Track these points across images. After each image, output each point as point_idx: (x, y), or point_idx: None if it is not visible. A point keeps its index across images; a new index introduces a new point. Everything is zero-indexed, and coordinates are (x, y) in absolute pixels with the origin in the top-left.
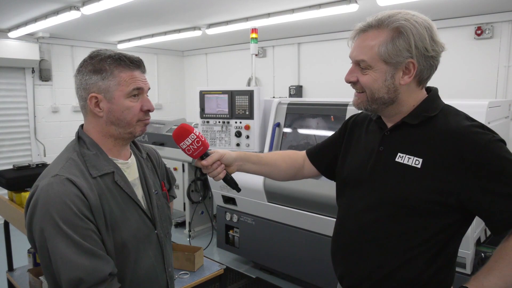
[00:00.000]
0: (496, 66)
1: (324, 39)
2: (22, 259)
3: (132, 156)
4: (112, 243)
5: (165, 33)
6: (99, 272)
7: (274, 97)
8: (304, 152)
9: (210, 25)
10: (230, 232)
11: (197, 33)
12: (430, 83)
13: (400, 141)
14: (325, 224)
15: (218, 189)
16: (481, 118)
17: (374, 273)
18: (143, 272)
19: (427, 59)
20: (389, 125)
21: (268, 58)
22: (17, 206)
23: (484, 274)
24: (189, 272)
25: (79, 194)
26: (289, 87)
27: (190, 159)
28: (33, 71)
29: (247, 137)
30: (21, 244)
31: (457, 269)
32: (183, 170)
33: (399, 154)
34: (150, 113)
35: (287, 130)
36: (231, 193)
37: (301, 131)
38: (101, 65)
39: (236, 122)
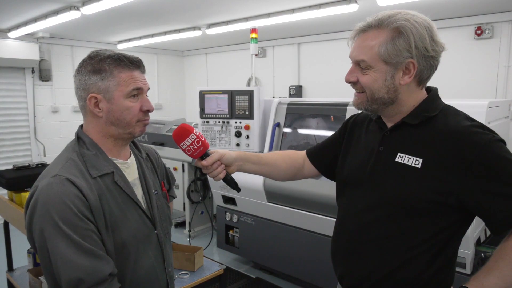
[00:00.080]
0: (496, 66)
1: (324, 39)
2: (22, 259)
3: (132, 156)
4: (112, 243)
5: (165, 33)
6: (99, 273)
7: (274, 97)
8: (304, 152)
9: (210, 25)
10: (230, 232)
11: (197, 33)
12: (430, 83)
13: (400, 141)
14: (325, 224)
15: (218, 189)
16: (481, 118)
17: (374, 273)
18: (143, 272)
19: (427, 59)
20: (389, 125)
21: (268, 58)
22: (17, 206)
23: (484, 274)
24: (189, 272)
25: (78, 194)
26: (289, 87)
27: (190, 159)
28: (33, 71)
29: (247, 137)
30: (21, 244)
31: (457, 269)
32: (183, 170)
33: (399, 154)
34: (150, 113)
35: (287, 130)
36: (231, 193)
37: (301, 131)
38: (100, 65)
39: (236, 122)
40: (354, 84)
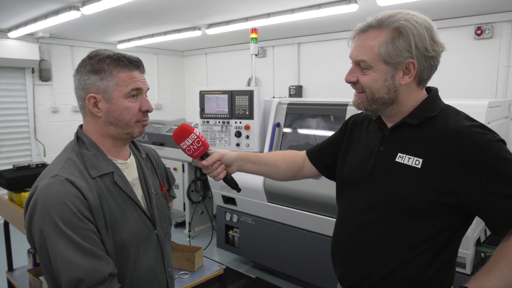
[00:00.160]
0: (496, 66)
1: (324, 39)
2: (22, 259)
3: (132, 156)
4: (111, 243)
5: (165, 33)
6: (99, 273)
7: (274, 97)
8: (304, 152)
9: (210, 25)
10: (230, 232)
11: (197, 33)
12: (430, 83)
13: (400, 141)
14: (325, 224)
15: (218, 189)
16: (481, 118)
17: (374, 273)
18: (143, 272)
19: (427, 59)
20: (389, 125)
21: (268, 58)
22: (17, 206)
23: (484, 274)
24: (189, 272)
25: (78, 195)
26: (289, 87)
27: (190, 159)
28: (33, 71)
29: (247, 137)
30: (21, 244)
31: (457, 269)
32: (183, 170)
33: (399, 154)
34: (149, 114)
35: (287, 130)
36: (231, 193)
37: (301, 131)
38: (99, 65)
39: (236, 122)
40: (354, 84)
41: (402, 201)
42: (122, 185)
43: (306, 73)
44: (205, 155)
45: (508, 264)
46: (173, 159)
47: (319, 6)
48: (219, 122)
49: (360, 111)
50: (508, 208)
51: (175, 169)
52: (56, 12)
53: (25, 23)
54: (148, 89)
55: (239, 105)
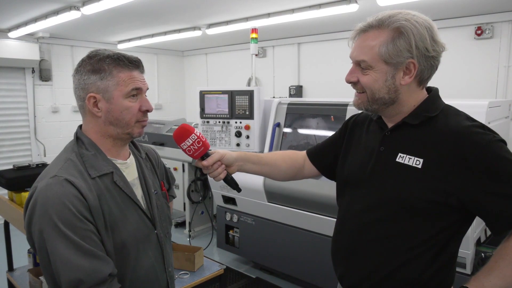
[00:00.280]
0: (496, 66)
1: (324, 39)
2: (22, 259)
3: (131, 156)
4: (111, 243)
5: (165, 33)
6: (99, 273)
7: (274, 97)
8: (304, 152)
9: (210, 25)
10: (230, 232)
11: (197, 33)
12: (430, 83)
13: (401, 141)
14: (325, 224)
15: (218, 189)
16: (481, 118)
17: (374, 273)
18: (143, 272)
19: (428, 59)
20: (390, 125)
21: (268, 58)
22: (17, 206)
23: (484, 274)
24: (189, 272)
25: (77, 195)
26: (289, 87)
27: (190, 159)
28: (33, 71)
29: (247, 137)
30: (21, 244)
31: (457, 269)
32: (183, 170)
33: (399, 154)
34: (149, 113)
35: (287, 130)
36: (231, 193)
37: (301, 131)
38: (99, 65)
39: (236, 122)
40: (354, 84)
41: (403, 201)
42: (122, 185)
43: (306, 73)
44: (205, 155)
45: (509, 264)
46: (173, 159)
47: (319, 6)
48: (219, 122)
49: (360, 111)
50: (509, 208)
51: (175, 169)
52: (56, 12)
53: (25, 23)
54: (148, 89)
55: (239, 105)
